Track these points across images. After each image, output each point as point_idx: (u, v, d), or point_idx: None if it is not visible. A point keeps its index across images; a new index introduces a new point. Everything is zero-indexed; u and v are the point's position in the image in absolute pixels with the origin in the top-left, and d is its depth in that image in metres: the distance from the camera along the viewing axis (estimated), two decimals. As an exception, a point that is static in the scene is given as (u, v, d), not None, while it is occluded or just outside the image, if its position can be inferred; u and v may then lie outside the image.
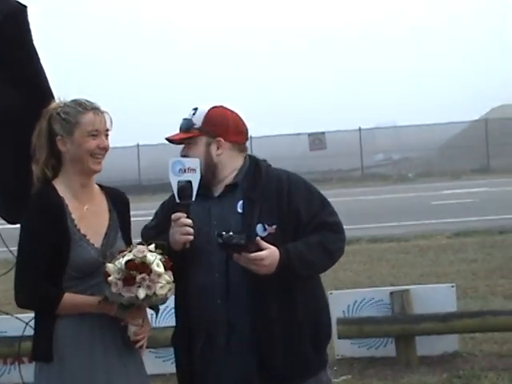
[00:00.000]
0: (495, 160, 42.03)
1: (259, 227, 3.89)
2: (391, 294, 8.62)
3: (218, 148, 4.07)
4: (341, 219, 4.17)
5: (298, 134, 45.03)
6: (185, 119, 4.11)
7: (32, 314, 4.00)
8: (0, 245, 4.82)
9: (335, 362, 8.44)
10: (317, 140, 44.17)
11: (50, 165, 3.91)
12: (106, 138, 3.94)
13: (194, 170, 3.90)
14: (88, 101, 3.92)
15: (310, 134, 44.49)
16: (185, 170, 3.91)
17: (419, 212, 23.18)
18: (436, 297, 8.82)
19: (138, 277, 3.65)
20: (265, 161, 4.27)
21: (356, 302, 8.67)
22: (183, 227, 3.82)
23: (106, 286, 3.73)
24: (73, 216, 3.89)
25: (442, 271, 13.34)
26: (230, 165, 4.11)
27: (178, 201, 3.93)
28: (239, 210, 3.97)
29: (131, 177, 44.53)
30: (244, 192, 4.04)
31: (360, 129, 44.91)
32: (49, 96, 4.20)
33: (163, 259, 3.74)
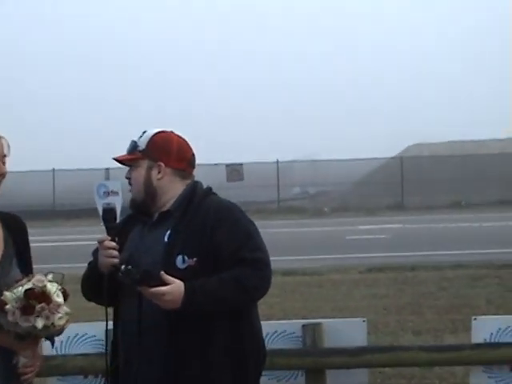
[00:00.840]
0: (409, 197, 42.80)
1: (179, 259, 3.87)
2: (303, 326, 8.38)
3: (158, 172, 4.06)
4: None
5: (216, 165, 44.61)
6: (132, 141, 4.06)
7: None
8: None
9: None
10: (234, 171, 44.45)
11: None
12: (4, 164, 3.81)
13: (116, 192, 3.92)
14: None
15: (227, 165, 44.64)
16: (108, 193, 3.90)
17: (334, 246, 23.34)
18: (347, 331, 8.64)
19: (38, 306, 3.58)
20: (209, 190, 4.17)
21: (268, 333, 8.44)
22: (107, 250, 3.79)
23: (1, 315, 3.59)
24: None
25: (354, 305, 13.45)
26: (170, 191, 4.08)
27: (101, 223, 3.90)
28: (165, 240, 3.93)
29: (46, 201, 44.26)
30: (173, 221, 4.00)
31: (278, 161, 45.18)
32: None
33: (62, 290, 3.67)
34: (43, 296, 3.61)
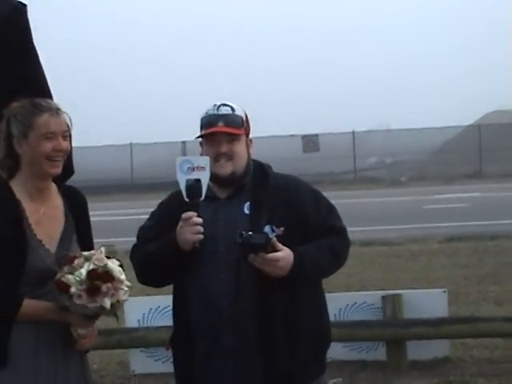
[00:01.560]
0: (488, 165, 42.08)
1: (267, 228, 3.88)
2: (383, 298, 8.65)
3: (249, 148, 4.17)
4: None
5: (292, 136, 44.89)
6: (237, 115, 4.03)
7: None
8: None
9: (328, 365, 8.69)
10: (310, 142, 44.33)
11: (6, 166, 3.83)
12: (65, 140, 3.82)
13: (203, 168, 3.86)
14: (45, 101, 3.84)
15: (303, 136, 44.64)
16: (194, 169, 3.87)
17: (411, 216, 23.20)
18: (427, 302, 8.85)
19: (103, 286, 3.57)
20: (269, 166, 4.23)
21: (348, 305, 8.68)
22: (194, 226, 3.76)
23: (65, 298, 3.61)
24: (29, 220, 3.80)
25: (433, 276, 13.37)
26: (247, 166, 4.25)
27: (186, 199, 3.87)
28: (246, 212, 3.96)
29: (124, 175, 44.57)
30: (252, 194, 4.03)
31: (353, 132, 44.95)
32: (47, 96, 4.13)
33: (120, 264, 3.71)
34: (106, 275, 3.60)
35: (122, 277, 3.63)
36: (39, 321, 3.82)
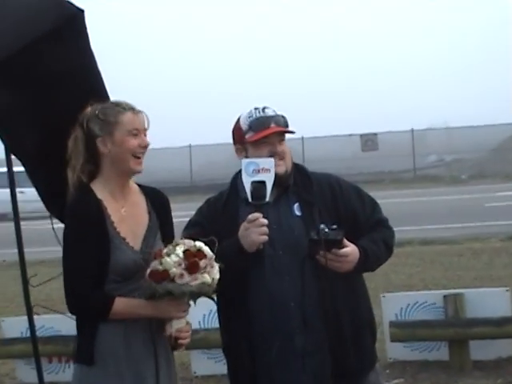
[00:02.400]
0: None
1: (322, 227, 3.87)
2: (444, 297, 8.63)
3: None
4: (392, 220, 4.27)
5: (350, 135, 44.95)
6: (282, 116, 4.09)
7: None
8: (55, 244, 4.93)
9: (387, 366, 8.50)
10: (369, 141, 44.54)
11: (87, 170, 3.88)
12: (145, 137, 4.02)
13: (268, 170, 3.90)
14: (125, 101, 3.90)
15: (362, 135, 44.77)
16: (259, 171, 3.90)
17: (472, 214, 22.91)
18: (490, 301, 8.80)
19: (202, 262, 3.63)
20: (303, 166, 4.32)
21: (409, 305, 8.68)
22: (261, 227, 3.77)
23: (166, 284, 3.64)
24: (112, 219, 3.86)
25: (495, 275, 13.22)
26: None
27: (250, 201, 3.89)
28: (297, 213, 4.00)
29: (183, 177, 45.11)
30: (298, 195, 4.08)
31: (412, 130, 45.08)
32: (106, 99, 4.30)
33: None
34: (200, 252, 3.67)
35: (212, 253, 3.70)
36: (131, 317, 3.84)
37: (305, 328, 4.03)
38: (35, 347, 5.28)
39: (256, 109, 4.12)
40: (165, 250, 3.79)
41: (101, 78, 4.31)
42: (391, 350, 8.73)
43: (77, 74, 4.17)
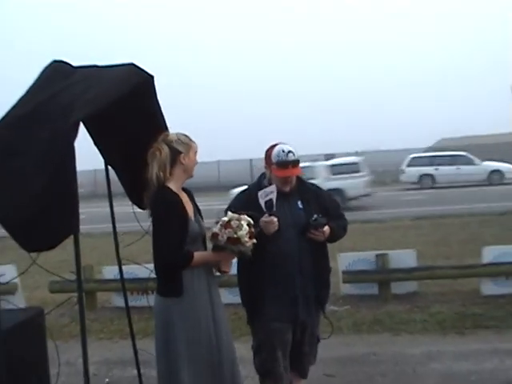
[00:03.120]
0: None
1: (315, 216, 5.28)
2: (376, 255, 10.32)
3: None
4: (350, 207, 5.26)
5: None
6: (296, 159, 5.51)
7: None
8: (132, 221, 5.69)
9: (340, 297, 10.02)
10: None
11: (167, 171, 4.88)
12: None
13: (272, 192, 5.22)
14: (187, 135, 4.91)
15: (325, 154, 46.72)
16: (267, 195, 5.20)
17: (392, 205, 27.49)
18: (404, 257, 10.67)
19: (254, 232, 4.88)
20: (302, 178, 5.58)
21: (354, 260, 10.54)
22: (274, 224, 5.11)
23: (239, 247, 4.87)
24: (184, 205, 4.77)
25: (408, 242, 15.44)
26: None
27: (265, 211, 5.20)
28: (300, 206, 5.33)
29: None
30: (300, 196, 5.44)
31: (357, 151, 49.43)
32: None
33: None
34: (251, 227, 4.87)
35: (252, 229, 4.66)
36: (203, 265, 4.88)
37: (300, 272, 5.24)
38: (123, 284, 6.15)
39: (283, 151, 5.36)
40: (233, 223, 4.85)
41: (163, 118, 5.16)
42: (343, 288, 10.17)
43: (148, 115, 5.06)
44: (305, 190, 5.43)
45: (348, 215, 5.66)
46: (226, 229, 4.78)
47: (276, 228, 5.08)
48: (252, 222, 4.83)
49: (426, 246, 14.65)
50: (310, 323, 5.38)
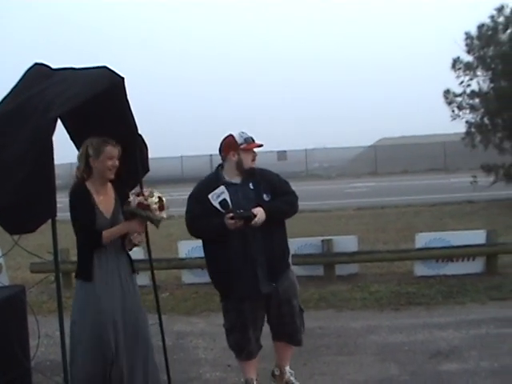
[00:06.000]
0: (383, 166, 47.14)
1: (265, 195, 5.28)
2: (322, 241, 10.44)
3: None
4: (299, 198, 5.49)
5: (271, 151, 50.67)
6: (251, 136, 5.46)
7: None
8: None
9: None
10: (281, 154, 51.28)
11: (84, 172, 4.92)
12: (117, 160, 4.86)
13: (223, 192, 5.25)
14: (109, 138, 4.92)
15: (278, 151, 51.44)
16: (219, 195, 5.25)
17: (337, 196, 28.03)
18: (346, 242, 10.71)
19: (164, 205, 4.89)
20: None
21: (302, 245, 10.69)
22: (234, 224, 5.12)
23: (148, 212, 4.88)
24: (96, 202, 4.88)
25: (350, 229, 15.46)
26: None
27: (223, 211, 5.21)
28: (252, 188, 5.34)
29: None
30: (251, 178, 5.43)
31: (306, 149, 52.30)
32: (134, 134, 5.11)
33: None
34: (161, 200, 4.88)
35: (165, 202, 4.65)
36: (116, 237, 4.84)
37: (257, 251, 5.36)
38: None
39: (243, 132, 5.46)
40: (147, 193, 4.82)
41: (133, 117, 5.10)
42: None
43: (118, 115, 4.99)
44: (254, 172, 5.41)
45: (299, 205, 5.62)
46: (138, 196, 4.82)
47: (236, 225, 5.18)
48: (164, 198, 4.89)
49: (366, 232, 14.84)
50: (281, 295, 5.47)
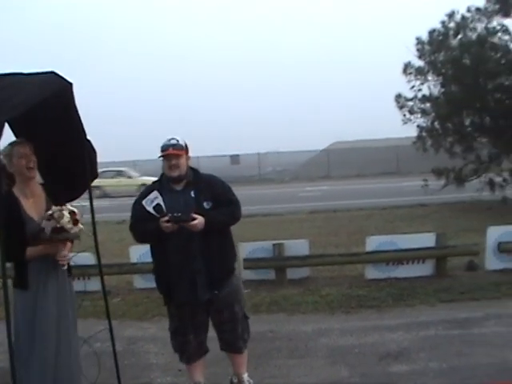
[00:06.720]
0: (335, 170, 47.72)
1: (205, 204, 5.24)
2: (273, 245, 10.44)
3: (187, 161, 5.38)
4: (249, 202, 5.52)
5: (224, 156, 51.85)
6: (179, 144, 5.48)
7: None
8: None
9: (242, 282, 9.76)
10: (234, 158, 51.23)
11: (10, 180, 4.95)
12: (33, 156, 4.88)
13: (156, 197, 5.31)
14: (17, 140, 4.87)
15: (231, 155, 52.31)
16: (152, 200, 5.30)
17: (291, 199, 28.11)
18: (298, 246, 10.78)
19: (78, 220, 4.77)
20: (198, 170, 5.55)
21: (254, 249, 10.62)
22: (168, 227, 5.14)
23: (65, 233, 4.78)
24: (24, 207, 4.89)
25: (302, 232, 15.51)
26: (187, 171, 5.40)
27: (157, 216, 5.22)
28: (193, 196, 5.27)
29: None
30: (194, 186, 5.35)
31: (258, 153, 52.54)
32: (82, 139, 5.07)
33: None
34: (74, 214, 4.79)
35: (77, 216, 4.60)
36: (40, 256, 4.77)
37: (195, 258, 5.32)
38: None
39: (167, 139, 5.39)
40: (55, 214, 4.72)
41: (81, 122, 5.08)
42: (244, 274, 10.18)
43: (66, 120, 4.98)
44: (198, 180, 5.40)
45: (249, 210, 5.51)
46: (49, 221, 4.72)
47: (173, 228, 5.23)
48: (75, 210, 4.84)
49: (318, 236, 14.91)
50: (221, 302, 5.49)
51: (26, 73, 4.74)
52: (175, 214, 5.08)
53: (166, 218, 5.09)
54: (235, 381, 5.78)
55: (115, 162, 41.89)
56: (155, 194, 5.27)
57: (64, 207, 4.71)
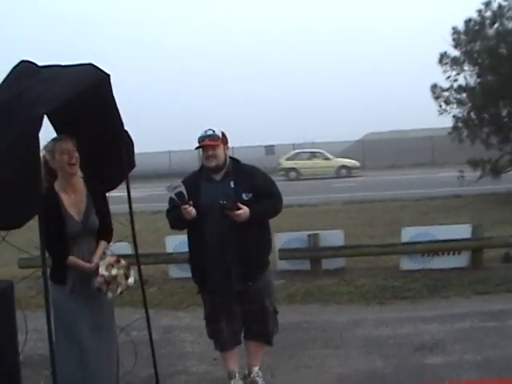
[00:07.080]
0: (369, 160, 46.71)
1: (244, 195, 5.22)
2: (308, 235, 10.41)
3: (226, 151, 5.43)
4: (284, 193, 5.56)
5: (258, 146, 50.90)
6: (216, 134, 5.49)
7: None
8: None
9: (277, 273, 9.93)
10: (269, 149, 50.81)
11: (50, 176, 4.95)
12: (76, 152, 4.84)
13: (180, 185, 5.26)
14: (61, 135, 4.88)
15: (265, 146, 51.56)
16: (174, 188, 5.25)
17: (325, 190, 27.89)
18: (333, 237, 10.73)
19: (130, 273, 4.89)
20: (238, 160, 5.55)
21: (290, 239, 10.64)
22: (190, 212, 5.18)
23: (114, 288, 4.87)
24: (65, 204, 4.87)
25: (337, 223, 15.46)
26: (227, 161, 5.38)
27: (179, 203, 5.25)
28: (233, 186, 5.26)
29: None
30: (234, 177, 5.35)
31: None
32: (119, 130, 5.10)
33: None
34: (128, 269, 4.96)
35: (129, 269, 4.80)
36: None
37: (230, 248, 5.36)
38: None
39: (204, 130, 5.41)
40: (107, 276, 4.86)
41: (119, 113, 5.11)
42: (279, 264, 10.37)
43: (104, 111, 5.01)
44: (238, 170, 5.40)
45: (284, 200, 5.74)
46: (101, 279, 4.90)
47: (192, 215, 5.22)
48: (124, 263, 5.04)
49: (353, 227, 14.84)
50: (253, 294, 5.50)
51: (64, 65, 4.78)
52: (221, 202, 5.11)
53: (188, 209, 5.16)
54: (246, 373, 5.85)
55: (150, 152, 41.80)
56: (179, 182, 5.28)
57: (114, 262, 4.92)
